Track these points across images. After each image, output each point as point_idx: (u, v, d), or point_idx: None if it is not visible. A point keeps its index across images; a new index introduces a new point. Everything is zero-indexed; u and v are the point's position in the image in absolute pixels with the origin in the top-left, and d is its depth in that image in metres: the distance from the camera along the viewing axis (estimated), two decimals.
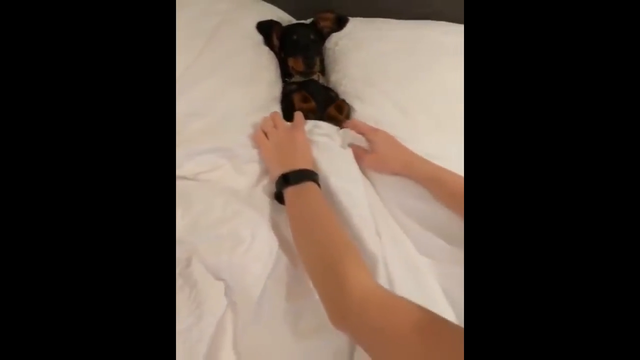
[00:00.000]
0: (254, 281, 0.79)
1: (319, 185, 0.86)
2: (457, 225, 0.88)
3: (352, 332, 0.63)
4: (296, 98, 1.14)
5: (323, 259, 0.72)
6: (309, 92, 1.17)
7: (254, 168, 0.95)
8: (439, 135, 1.10)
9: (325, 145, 0.99)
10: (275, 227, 0.87)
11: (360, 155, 1.01)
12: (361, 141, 1.04)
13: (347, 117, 1.14)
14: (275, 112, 1.04)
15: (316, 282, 0.73)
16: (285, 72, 1.26)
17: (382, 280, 0.78)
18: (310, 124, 1.04)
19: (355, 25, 1.31)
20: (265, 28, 1.25)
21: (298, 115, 1.02)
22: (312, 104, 1.12)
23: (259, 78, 1.15)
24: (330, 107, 1.14)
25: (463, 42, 1.23)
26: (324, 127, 1.06)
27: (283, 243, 0.86)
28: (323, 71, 1.30)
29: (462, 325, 0.49)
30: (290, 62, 1.23)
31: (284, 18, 1.36)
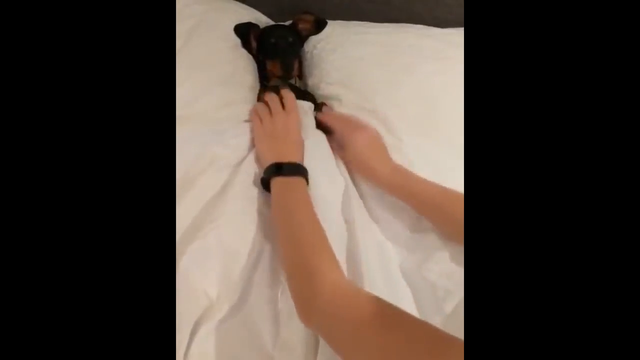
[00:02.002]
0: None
1: (307, 181, 0.87)
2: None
3: (317, 326, 0.64)
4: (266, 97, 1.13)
5: (295, 256, 0.73)
6: None
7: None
8: (420, 141, 1.09)
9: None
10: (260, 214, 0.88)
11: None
12: None
13: None
14: (273, 97, 1.04)
15: (288, 278, 0.74)
16: (263, 76, 1.24)
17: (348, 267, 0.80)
18: None
19: (334, 29, 1.29)
20: (243, 30, 1.22)
21: (291, 100, 1.02)
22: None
23: (238, 81, 1.14)
24: (318, 113, 1.13)
25: (442, 47, 1.25)
26: (301, 104, 1.08)
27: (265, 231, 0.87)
28: (301, 75, 1.28)
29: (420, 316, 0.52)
30: (269, 65, 1.21)
31: (262, 20, 1.33)
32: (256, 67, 1.23)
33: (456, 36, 1.28)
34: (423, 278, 0.83)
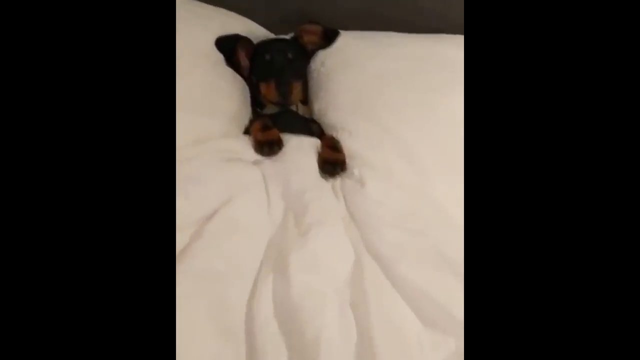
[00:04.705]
0: None
1: None
2: None
3: None
4: (255, 127, 0.96)
5: None
6: (283, 126, 0.97)
7: None
8: (453, 178, 0.88)
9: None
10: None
11: None
12: None
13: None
14: None
15: None
16: (256, 101, 1.05)
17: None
18: None
19: (348, 41, 1.09)
20: (227, 45, 1.03)
21: None
22: (274, 133, 0.93)
23: (215, 110, 0.96)
24: (322, 148, 0.94)
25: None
26: (301, 142, 0.95)
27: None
28: (306, 100, 1.07)
29: None
30: (262, 88, 1.02)
31: (257, 33, 1.15)
32: (245, 91, 1.03)
33: None
34: None
